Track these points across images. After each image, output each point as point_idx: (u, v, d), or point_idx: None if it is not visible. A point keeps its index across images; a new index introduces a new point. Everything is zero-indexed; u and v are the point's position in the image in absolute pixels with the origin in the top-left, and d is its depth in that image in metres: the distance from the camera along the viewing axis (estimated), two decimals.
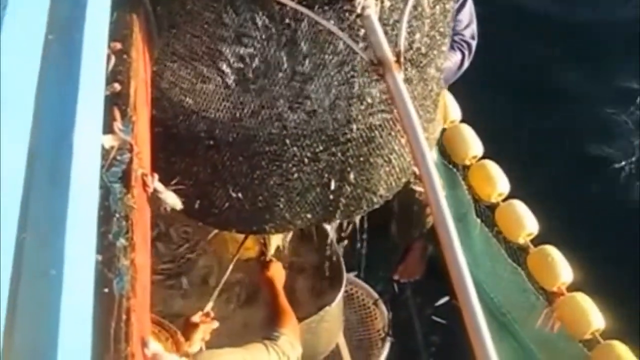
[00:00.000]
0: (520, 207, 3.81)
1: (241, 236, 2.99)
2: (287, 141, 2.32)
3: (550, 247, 3.67)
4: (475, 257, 3.96)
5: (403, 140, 2.49)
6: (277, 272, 3.01)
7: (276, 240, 3.08)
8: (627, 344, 3.29)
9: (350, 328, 3.89)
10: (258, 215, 2.49)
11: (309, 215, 2.52)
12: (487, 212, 3.92)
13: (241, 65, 2.21)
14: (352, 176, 2.47)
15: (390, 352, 3.82)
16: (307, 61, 2.21)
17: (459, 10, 3.53)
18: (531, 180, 4.39)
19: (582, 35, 6.13)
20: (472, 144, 4.03)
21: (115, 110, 1.64)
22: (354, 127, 2.36)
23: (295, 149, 2.33)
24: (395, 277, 4.52)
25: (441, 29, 2.47)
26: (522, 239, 3.74)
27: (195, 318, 2.66)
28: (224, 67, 2.22)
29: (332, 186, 2.46)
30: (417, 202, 3.95)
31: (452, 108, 4.17)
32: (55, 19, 1.32)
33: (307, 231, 3.14)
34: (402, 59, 1.99)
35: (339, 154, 2.40)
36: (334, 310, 3.11)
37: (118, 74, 1.76)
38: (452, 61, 3.52)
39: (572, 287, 3.56)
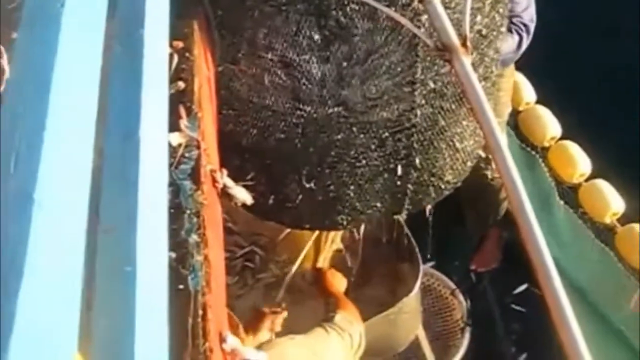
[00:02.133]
0: (605, 186, 3.74)
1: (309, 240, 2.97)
2: (354, 129, 2.35)
3: (638, 226, 3.58)
4: (560, 240, 3.89)
5: (465, 123, 2.51)
6: (337, 281, 2.98)
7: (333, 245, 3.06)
8: None
9: (429, 319, 3.86)
10: (330, 207, 2.51)
11: (378, 204, 2.53)
12: (570, 193, 3.85)
13: (306, 57, 2.23)
14: (417, 161, 2.48)
15: (471, 341, 3.77)
16: (370, 49, 2.22)
17: None
18: (614, 159, 4.26)
19: None
20: (550, 125, 3.96)
21: (180, 108, 1.65)
22: (418, 112, 2.38)
23: (362, 136, 2.36)
24: (472, 267, 4.46)
25: (500, 10, 2.47)
26: (609, 219, 3.67)
27: (265, 308, 2.65)
28: (289, 60, 2.25)
29: (399, 172, 2.48)
30: (490, 188, 3.89)
31: (525, 90, 4.10)
32: (115, 17, 1.33)
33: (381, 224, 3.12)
34: (468, 43, 1.97)
35: (404, 139, 2.42)
36: (412, 301, 3.08)
37: (181, 72, 1.77)
38: (509, 44, 3.45)
39: None
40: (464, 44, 1.98)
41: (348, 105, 2.30)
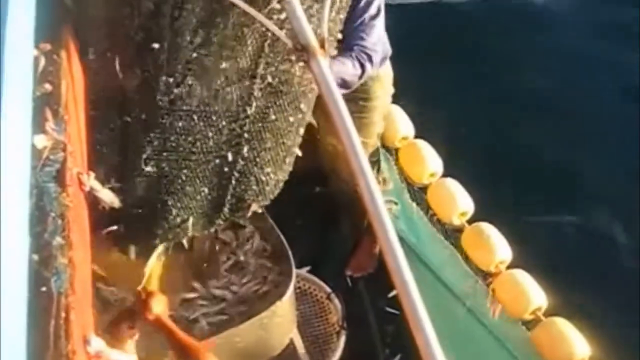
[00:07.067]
0: (453, 185, 3.65)
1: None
2: (195, 117, 2.45)
3: (485, 224, 3.50)
4: (419, 239, 3.85)
5: (291, 120, 2.62)
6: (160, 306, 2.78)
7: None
8: (570, 320, 3.17)
9: (306, 323, 3.89)
10: (163, 189, 2.60)
11: (206, 190, 2.65)
12: (421, 194, 3.76)
13: (156, 46, 2.28)
14: (245, 150, 2.60)
15: (346, 344, 3.82)
16: (221, 42, 2.29)
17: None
18: (465, 160, 4.27)
19: None
20: (402, 125, 3.89)
21: (46, 110, 1.64)
22: (254, 104, 2.49)
23: (201, 123, 2.47)
24: (348, 272, 4.51)
25: (341, 15, 2.56)
26: (457, 219, 3.57)
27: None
28: (141, 49, 2.30)
29: (229, 158, 2.59)
30: None
31: None
32: None
33: (248, 225, 3.15)
34: (326, 45, 2.03)
35: (238, 129, 2.55)
36: (285, 304, 3.09)
37: (49, 74, 1.75)
38: (354, 70, 3.40)
39: (511, 266, 3.39)
40: (322, 46, 2.04)
41: (192, 94, 2.38)
